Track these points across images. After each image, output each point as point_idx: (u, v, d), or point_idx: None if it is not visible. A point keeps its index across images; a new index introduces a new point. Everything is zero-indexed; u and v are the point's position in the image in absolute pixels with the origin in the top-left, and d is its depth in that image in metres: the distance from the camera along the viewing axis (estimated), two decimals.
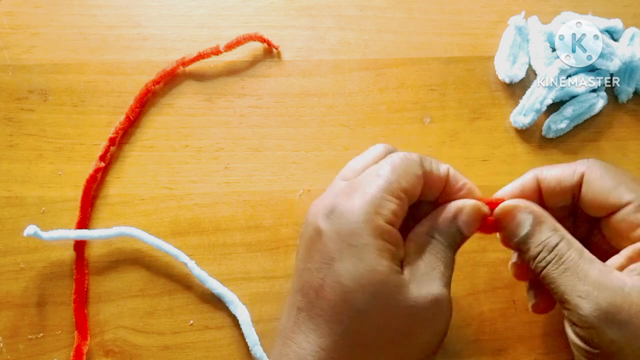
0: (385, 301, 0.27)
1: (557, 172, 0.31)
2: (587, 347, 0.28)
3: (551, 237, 0.29)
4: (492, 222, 0.31)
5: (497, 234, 0.33)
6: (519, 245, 0.30)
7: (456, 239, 0.31)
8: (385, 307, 0.27)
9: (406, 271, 0.29)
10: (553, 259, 0.29)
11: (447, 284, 0.29)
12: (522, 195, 0.31)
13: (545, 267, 0.29)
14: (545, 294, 0.33)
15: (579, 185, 0.31)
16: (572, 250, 0.29)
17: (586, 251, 0.29)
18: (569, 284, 0.28)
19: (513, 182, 0.32)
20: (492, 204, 0.31)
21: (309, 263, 0.29)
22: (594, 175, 0.30)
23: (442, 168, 0.31)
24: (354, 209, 0.28)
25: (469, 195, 0.31)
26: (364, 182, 0.29)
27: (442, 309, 0.28)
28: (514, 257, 0.34)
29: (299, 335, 0.28)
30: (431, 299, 0.28)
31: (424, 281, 0.28)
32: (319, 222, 0.29)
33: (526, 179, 0.32)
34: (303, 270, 0.29)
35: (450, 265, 0.30)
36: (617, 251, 0.30)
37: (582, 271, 0.28)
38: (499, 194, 0.32)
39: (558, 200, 0.32)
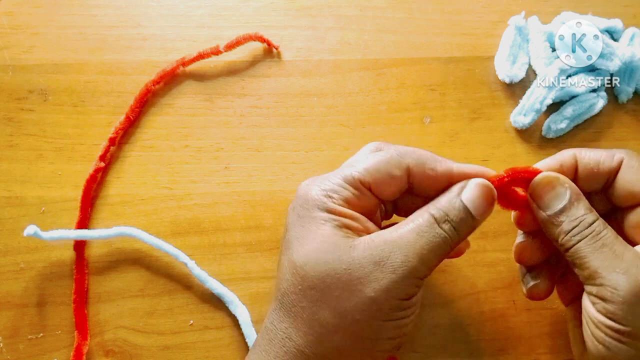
0: (321, 256, 0.28)
1: (596, 155, 0.32)
2: (615, 325, 0.28)
3: (587, 215, 0.30)
4: (522, 195, 0.31)
5: (512, 213, 0.33)
6: (551, 218, 0.30)
7: (460, 216, 0.29)
8: (321, 261, 0.28)
9: (364, 237, 0.29)
10: (589, 234, 0.29)
11: (413, 256, 0.28)
12: (560, 170, 0.31)
13: (580, 241, 0.29)
14: (545, 277, 0.33)
15: (616, 171, 0.31)
16: (608, 230, 0.29)
17: (619, 236, 0.29)
18: (606, 260, 0.28)
19: (552, 157, 0.32)
20: (525, 175, 0.31)
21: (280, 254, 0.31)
22: (632, 163, 0.31)
23: (441, 167, 0.31)
24: (309, 191, 0.30)
25: (484, 176, 0.31)
26: (333, 172, 0.31)
27: (386, 274, 0.28)
28: (519, 236, 0.34)
29: (269, 307, 0.31)
30: (374, 261, 0.28)
31: (377, 247, 0.28)
32: (289, 208, 0.31)
33: (565, 155, 0.32)
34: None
35: (432, 239, 0.28)
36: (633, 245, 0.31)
37: (619, 250, 0.28)
38: (537, 166, 0.32)
39: (592, 182, 0.32)
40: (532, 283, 0.33)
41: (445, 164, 0.31)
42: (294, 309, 0.29)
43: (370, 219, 0.31)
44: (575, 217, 0.30)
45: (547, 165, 0.32)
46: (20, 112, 0.41)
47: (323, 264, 0.28)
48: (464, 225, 0.30)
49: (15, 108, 0.41)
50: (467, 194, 0.30)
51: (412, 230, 0.29)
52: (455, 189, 0.30)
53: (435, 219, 0.29)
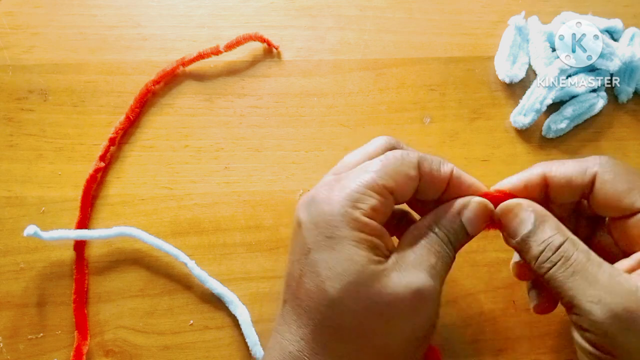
0: (361, 290, 0.27)
1: (567, 170, 0.30)
2: (598, 353, 0.27)
3: (554, 235, 0.28)
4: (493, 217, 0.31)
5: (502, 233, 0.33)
6: (520, 245, 0.30)
7: (458, 236, 0.30)
8: (362, 296, 0.27)
9: (391, 260, 0.28)
10: (559, 260, 0.28)
11: (436, 277, 0.28)
12: (525, 190, 0.31)
13: (550, 268, 0.28)
14: (547, 294, 0.33)
15: (590, 185, 0.30)
16: (579, 252, 0.28)
17: (592, 253, 0.28)
18: (579, 289, 0.27)
19: (518, 175, 0.31)
20: (496, 197, 0.31)
21: (291, 255, 0.29)
22: (607, 176, 0.29)
23: (445, 168, 0.30)
24: (331, 201, 0.28)
25: (475, 193, 0.31)
26: (350, 176, 0.29)
27: (424, 301, 0.28)
28: (515, 256, 0.34)
29: (283, 326, 0.29)
30: (412, 290, 0.27)
31: (408, 271, 0.28)
32: (299, 213, 0.29)
33: (532, 175, 0.31)
34: (288, 262, 0.30)
35: (445, 260, 0.29)
36: (622, 253, 0.30)
37: (592, 275, 0.27)
38: (502, 184, 0.31)
39: (566, 197, 0.31)
40: (535, 302, 0.33)
41: (446, 167, 0.30)
42: (329, 343, 0.27)
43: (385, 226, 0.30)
44: (541, 241, 0.29)
45: (512, 184, 0.31)
46: (20, 112, 0.41)
47: (363, 299, 0.27)
48: (458, 244, 0.30)
49: (15, 108, 0.41)
50: (468, 214, 0.30)
51: (429, 251, 0.29)
52: (456, 206, 0.30)
53: (441, 239, 0.29)
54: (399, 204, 0.30)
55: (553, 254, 0.28)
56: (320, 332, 0.27)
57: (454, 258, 0.30)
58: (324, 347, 0.27)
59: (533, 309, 0.33)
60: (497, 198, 0.31)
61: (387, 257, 0.28)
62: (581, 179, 0.30)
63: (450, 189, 0.31)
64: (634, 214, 0.29)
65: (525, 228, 0.29)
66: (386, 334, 0.27)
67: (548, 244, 0.28)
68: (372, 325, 0.27)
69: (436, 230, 0.30)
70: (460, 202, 0.30)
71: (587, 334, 0.27)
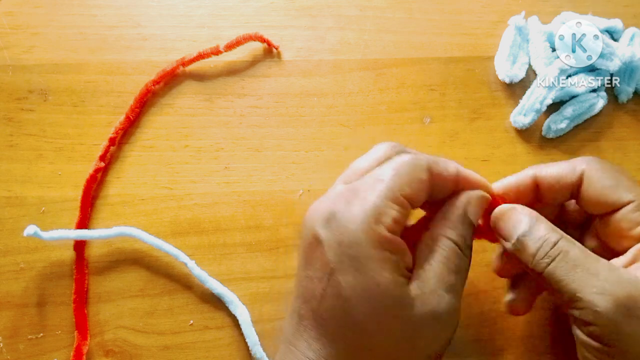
0: (388, 315, 0.27)
1: (556, 170, 0.31)
2: (601, 346, 0.27)
3: (550, 234, 0.29)
4: (486, 226, 0.31)
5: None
6: (516, 246, 0.30)
7: (470, 234, 0.30)
8: (388, 320, 0.27)
9: (414, 285, 0.28)
10: (557, 255, 0.28)
11: (457, 295, 0.29)
12: (517, 192, 0.32)
13: (549, 263, 0.28)
14: (524, 293, 0.34)
15: (579, 183, 0.31)
16: (576, 247, 0.28)
17: (587, 249, 0.29)
18: (581, 281, 0.27)
19: (509, 178, 0.32)
20: (490, 202, 0.31)
21: (309, 271, 0.28)
22: (594, 173, 0.30)
23: (451, 168, 0.30)
24: (354, 218, 0.27)
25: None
26: (364, 187, 0.28)
27: (447, 323, 0.28)
28: (497, 250, 0.34)
29: (301, 342, 0.28)
30: (436, 316, 0.27)
31: (431, 296, 0.28)
32: (318, 229, 0.28)
33: (523, 178, 0.32)
34: (304, 277, 0.29)
35: (463, 272, 0.29)
36: (610, 253, 0.30)
37: (593, 267, 0.27)
38: (494, 186, 0.32)
39: (557, 197, 0.32)
40: (510, 297, 0.34)
41: (452, 166, 0.30)
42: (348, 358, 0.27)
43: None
44: (538, 237, 0.29)
45: (504, 186, 0.32)
46: (20, 112, 0.41)
47: (389, 325, 0.27)
48: (471, 241, 0.30)
49: (15, 108, 0.41)
50: (473, 210, 0.30)
51: (448, 269, 0.29)
52: (460, 205, 0.30)
53: (458, 247, 0.29)
54: (414, 209, 0.30)
55: (551, 249, 0.28)
56: (345, 354, 0.27)
57: (470, 261, 0.30)
58: None
59: (507, 309, 0.34)
60: (491, 203, 0.31)
61: (408, 275, 0.28)
62: (570, 177, 0.31)
63: (458, 188, 0.31)
64: (620, 208, 0.30)
65: (520, 228, 0.30)
66: (410, 356, 0.28)
67: (545, 240, 0.29)
68: (397, 348, 0.27)
69: (452, 237, 0.29)
70: (462, 200, 0.30)
71: (591, 327, 0.27)
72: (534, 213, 0.30)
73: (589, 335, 0.27)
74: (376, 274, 0.27)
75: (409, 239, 0.29)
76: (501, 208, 0.31)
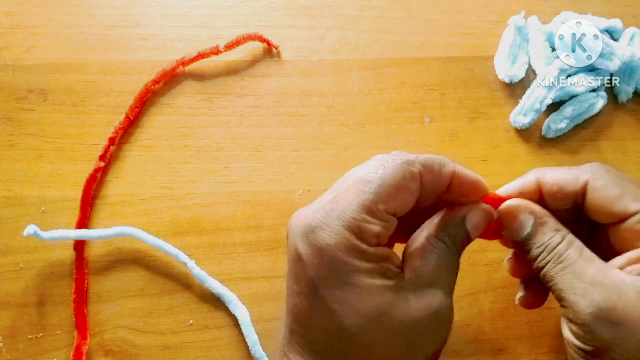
0: (383, 321, 0.26)
1: (559, 177, 0.31)
2: (580, 345, 0.28)
3: (553, 237, 0.29)
4: (493, 225, 0.31)
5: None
6: (520, 247, 0.30)
7: (463, 242, 0.30)
8: (383, 327, 0.26)
9: (406, 282, 0.28)
10: (553, 258, 0.29)
11: (450, 292, 0.29)
12: (522, 197, 0.31)
13: (545, 265, 0.29)
14: (535, 290, 0.34)
15: (582, 192, 0.30)
16: (572, 249, 0.29)
17: (587, 250, 0.29)
18: (567, 282, 0.28)
19: (514, 182, 0.32)
20: (492, 201, 0.31)
21: (295, 285, 0.28)
22: (598, 184, 0.30)
23: (447, 170, 0.29)
24: (332, 232, 0.26)
25: (478, 192, 0.30)
26: (347, 197, 0.27)
27: (443, 320, 0.28)
28: (510, 253, 0.34)
29: (295, 355, 0.28)
30: (432, 312, 0.27)
31: (425, 292, 0.28)
32: (298, 244, 0.27)
33: (527, 181, 0.31)
34: (292, 291, 0.28)
35: (454, 272, 0.30)
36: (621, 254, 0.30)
37: (580, 269, 0.28)
38: (499, 192, 0.32)
39: (559, 204, 0.31)
40: (521, 294, 0.34)
41: (449, 167, 0.30)
42: None
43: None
44: (541, 244, 0.29)
45: (508, 192, 0.31)
46: (20, 112, 0.41)
47: (386, 329, 0.26)
48: (463, 250, 0.30)
49: (15, 108, 0.41)
50: (473, 220, 0.30)
51: (440, 267, 0.28)
52: (460, 212, 0.30)
53: (450, 249, 0.29)
54: (400, 216, 0.29)
55: (549, 255, 0.29)
56: None
57: (459, 264, 0.30)
58: None
59: (519, 301, 0.34)
60: (495, 201, 0.31)
61: (398, 276, 0.28)
62: (573, 186, 0.30)
63: (453, 189, 0.30)
64: (626, 219, 0.29)
65: (525, 231, 0.30)
66: (408, 355, 0.27)
67: (547, 246, 0.29)
68: (396, 351, 0.27)
69: (445, 240, 0.29)
70: (464, 208, 0.30)
71: (573, 325, 0.28)
72: (539, 212, 0.30)
73: (572, 333, 0.28)
74: (363, 284, 0.26)
75: (405, 226, 0.29)
76: (507, 205, 0.31)
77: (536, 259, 0.29)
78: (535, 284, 0.34)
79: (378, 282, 0.26)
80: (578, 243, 0.29)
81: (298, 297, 0.28)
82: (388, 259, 0.28)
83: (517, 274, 0.34)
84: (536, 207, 0.30)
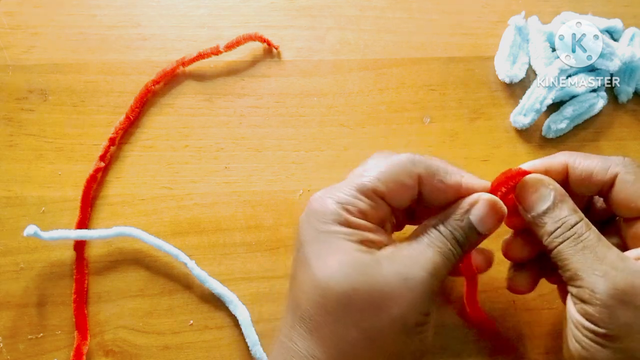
0: (351, 274, 0.27)
1: (590, 165, 0.31)
2: (592, 327, 0.28)
3: (570, 216, 0.29)
4: (512, 199, 0.31)
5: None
6: (536, 219, 0.30)
7: (467, 235, 0.30)
8: (351, 279, 0.27)
9: (385, 251, 0.29)
10: (571, 236, 0.29)
11: (432, 271, 0.28)
12: (546, 175, 0.31)
13: (561, 242, 0.29)
14: (525, 274, 0.34)
15: (610, 183, 0.31)
16: (591, 232, 0.29)
17: (603, 237, 0.29)
18: (586, 262, 0.28)
19: (541, 160, 0.32)
20: (516, 174, 0.31)
21: (293, 253, 0.31)
22: (629, 177, 0.30)
23: (452, 179, 0.30)
24: (324, 202, 0.29)
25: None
26: (346, 180, 0.30)
27: (413, 291, 0.28)
28: (509, 234, 0.34)
29: (287, 329, 0.29)
30: (402, 279, 0.28)
31: (400, 262, 0.28)
32: (302, 215, 0.30)
33: (554, 161, 0.32)
34: (292, 279, 0.31)
35: (447, 256, 0.29)
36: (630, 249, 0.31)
37: (601, 252, 0.28)
38: (524, 166, 0.32)
39: (585, 190, 0.32)
40: (512, 274, 0.34)
41: (454, 177, 0.31)
42: (317, 326, 0.28)
43: (383, 228, 0.31)
44: (558, 219, 0.30)
45: (534, 166, 0.32)
46: (20, 112, 0.41)
47: (349, 281, 0.27)
48: (468, 243, 0.30)
49: (15, 108, 0.41)
50: (476, 212, 0.30)
51: (428, 246, 0.29)
52: (464, 205, 0.30)
53: (445, 236, 0.30)
54: (398, 208, 0.31)
55: (567, 231, 0.29)
56: (309, 317, 0.28)
57: (461, 257, 0.30)
58: (311, 331, 0.28)
59: (507, 284, 0.34)
60: (518, 175, 0.31)
61: (379, 246, 0.29)
62: (602, 175, 0.31)
63: (461, 197, 0.31)
64: None
65: (544, 204, 0.30)
66: (374, 316, 0.28)
67: (564, 222, 0.29)
68: (357, 307, 0.27)
69: (440, 228, 0.30)
70: (468, 200, 0.30)
71: (586, 305, 0.28)
72: (560, 190, 0.30)
73: (583, 314, 0.28)
74: (339, 243, 0.28)
75: None
76: (530, 177, 0.31)
77: (551, 234, 0.29)
78: (526, 269, 0.34)
79: (354, 245, 0.28)
80: (595, 229, 0.29)
81: (292, 263, 0.30)
82: (373, 231, 0.29)
83: (513, 255, 0.34)
84: (557, 185, 0.31)
